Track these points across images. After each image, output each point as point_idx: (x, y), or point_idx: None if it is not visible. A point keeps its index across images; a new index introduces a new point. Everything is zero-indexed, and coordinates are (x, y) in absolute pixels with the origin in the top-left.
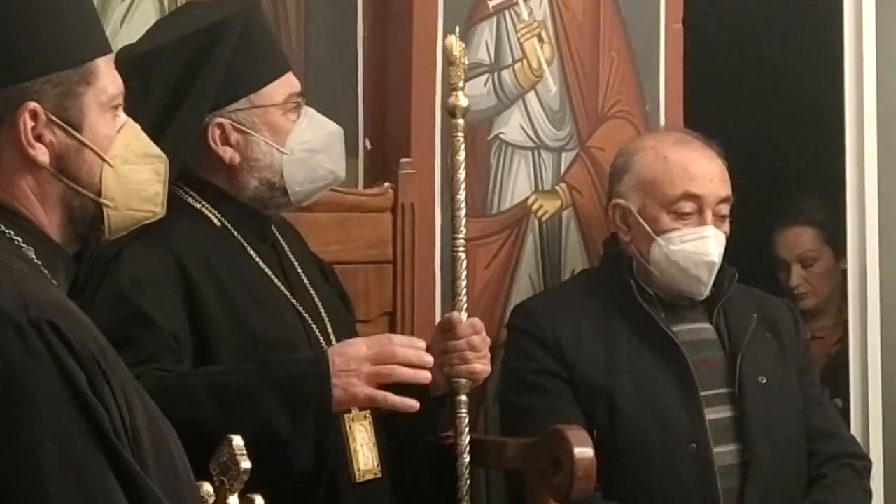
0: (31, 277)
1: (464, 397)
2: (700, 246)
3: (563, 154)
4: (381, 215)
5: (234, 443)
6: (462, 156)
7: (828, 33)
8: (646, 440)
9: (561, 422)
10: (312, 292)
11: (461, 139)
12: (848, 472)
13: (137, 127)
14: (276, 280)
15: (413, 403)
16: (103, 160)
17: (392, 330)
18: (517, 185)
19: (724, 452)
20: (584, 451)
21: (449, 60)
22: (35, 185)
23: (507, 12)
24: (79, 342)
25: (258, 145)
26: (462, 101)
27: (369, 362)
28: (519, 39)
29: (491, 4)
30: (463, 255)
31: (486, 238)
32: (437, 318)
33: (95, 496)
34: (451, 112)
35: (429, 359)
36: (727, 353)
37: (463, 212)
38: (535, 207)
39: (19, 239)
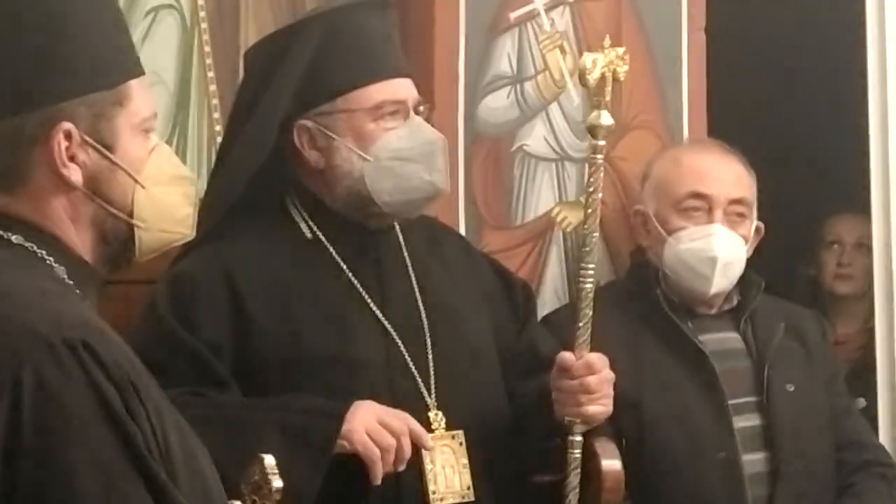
0: (64, 297)
1: (578, 437)
2: (705, 243)
3: (587, 165)
4: None
5: (266, 462)
6: (601, 174)
7: (851, 39)
8: (674, 449)
9: (589, 432)
10: (422, 309)
11: (600, 161)
12: (877, 480)
13: (169, 149)
14: (365, 295)
15: (375, 479)
16: (136, 182)
17: None
18: (541, 196)
19: (753, 461)
20: (612, 464)
21: (582, 83)
22: (68, 205)
23: (528, 24)
24: (113, 362)
25: (339, 151)
26: (605, 119)
27: (377, 420)
28: (541, 51)
29: (512, 16)
30: (590, 286)
31: (510, 250)
32: None
33: None
34: (591, 132)
35: (405, 460)
36: (754, 362)
37: (596, 236)
38: (559, 219)
39: (51, 259)
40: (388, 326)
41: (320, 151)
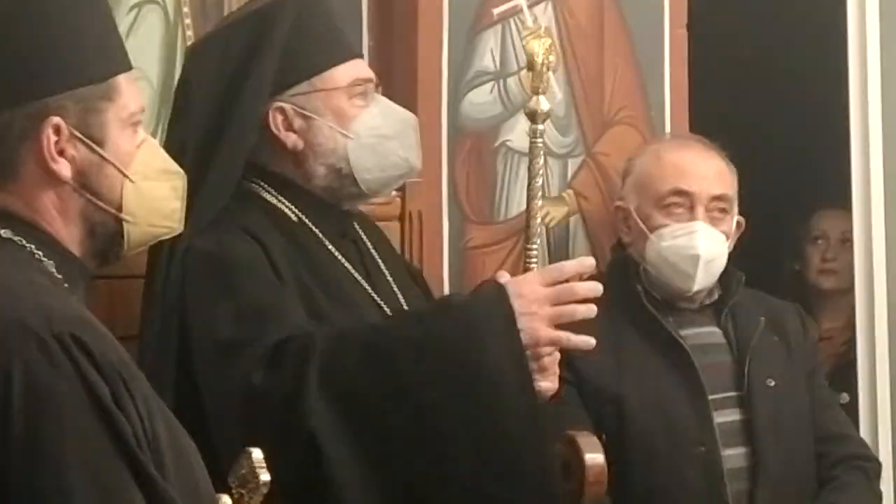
0: (53, 291)
1: None
2: (687, 240)
3: (570, 160)
4: (388, 224)
5: (254, 455)
6: (542, 160)
7: (832, 34)
8: (654, 444)
9: (569, 427)
10: (398, 292)
11: (540, 145)
12: (858, 474)
13: (156, 143)
14: (357, 276)
15: (591, 341)
16: (124, 176)
17: None
18: (524, 192)
19: (733, 455)
20: (594, 458)
21: (531, 68)
22: (56, 199)
23: (511, 20)
24: (102, 355)
25: (321, 130)
26: (544, 104)
27: (549, 303)
28: (524, 47)
29: (496, 12)
30: (535, 262)
31: (493, 245)
32: None
33: None
34: (531, 117)
35: (599, 288)
36: (735, 357)
37: (538, 221)
38: (542, 214)
39: (40, 253)
40: (386, 308)
41: (297, 133)
